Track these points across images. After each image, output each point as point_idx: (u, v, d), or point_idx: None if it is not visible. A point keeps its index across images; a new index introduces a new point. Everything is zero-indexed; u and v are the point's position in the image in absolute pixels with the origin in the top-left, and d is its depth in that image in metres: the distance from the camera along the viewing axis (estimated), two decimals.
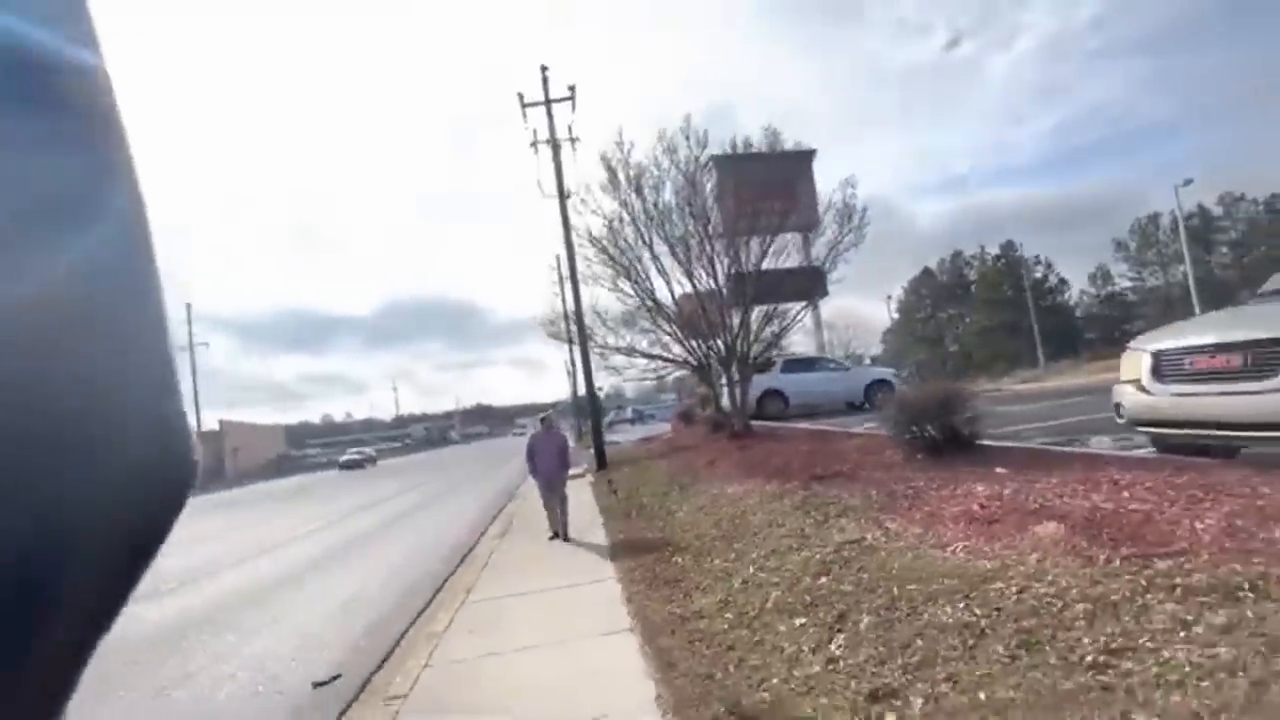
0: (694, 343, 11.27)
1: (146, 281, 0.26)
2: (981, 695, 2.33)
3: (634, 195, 11.01)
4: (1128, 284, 58.18)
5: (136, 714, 4.08)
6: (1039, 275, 58.52)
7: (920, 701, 2.45)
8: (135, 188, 0.26)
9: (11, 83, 0.22)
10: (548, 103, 17.07)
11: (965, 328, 58.96)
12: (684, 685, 3.18)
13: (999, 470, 4.70)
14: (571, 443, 9.77)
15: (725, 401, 12.02)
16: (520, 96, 17.06)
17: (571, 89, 17.14)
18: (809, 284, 20.01)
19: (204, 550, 10.21)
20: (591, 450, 15.49)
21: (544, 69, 17.05)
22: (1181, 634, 2.25)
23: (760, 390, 15.13)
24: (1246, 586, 2.36)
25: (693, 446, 12.52)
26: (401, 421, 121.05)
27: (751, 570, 4.51)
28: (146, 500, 0.25)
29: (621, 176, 11.24)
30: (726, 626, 3.80)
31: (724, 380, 11.24)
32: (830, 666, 2.93)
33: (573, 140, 17.29)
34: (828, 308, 22.78)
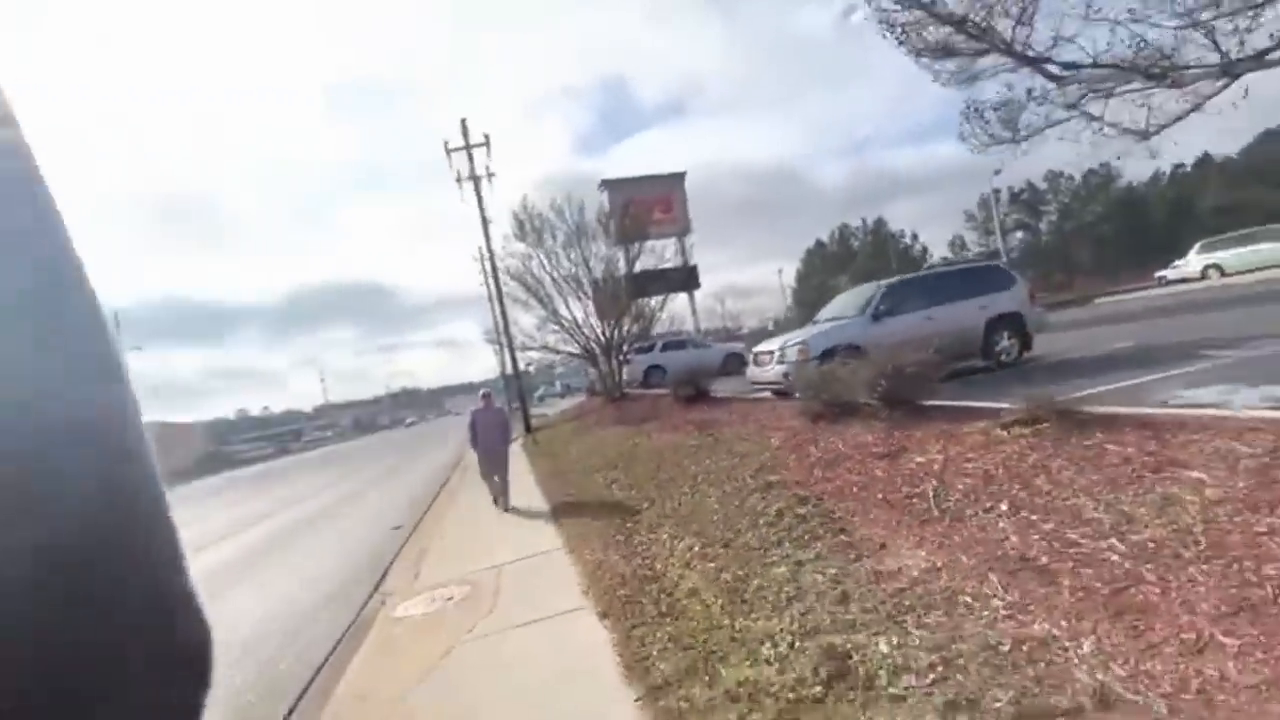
0: (584, 338, 16.48)
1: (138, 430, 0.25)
2: (631, 471, 7.79)
3: (536, 241, 15.95)
4: (980, 249, 68.40)
5: (322, 540, 9.09)
6: (906, 244, 67.70)
7: (620, 477, 7.86)
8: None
9: None
10: (468, 148, 21.44)
11: None
12: (550, 489, 8.51)
13: (705, 408, 10.26)
14: None
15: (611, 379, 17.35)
16: (445, 143, 21.36)
17: (486, 137, 21.61)
18: (683, 279, 25.63)
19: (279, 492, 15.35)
20: (521, 421, 20.67)
21: (463, 121, 21.41)
22: (692, 447, 7.76)
23: (645, 366, 20.56)
24: (712, 435, 7.91)
25: (591, 411, 17.91)
26: (323, 411, 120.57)
27: (592, 460, 9.90)
28: (168, 683, 0.24)
29: (528, 227, 16.13)
30: (573, 474, 9.17)
31: (608, 363, 16.55)
32: (604, 480, 8.31)
33: (490, 176, 21.81)
34: (717, 284, 28.94)
